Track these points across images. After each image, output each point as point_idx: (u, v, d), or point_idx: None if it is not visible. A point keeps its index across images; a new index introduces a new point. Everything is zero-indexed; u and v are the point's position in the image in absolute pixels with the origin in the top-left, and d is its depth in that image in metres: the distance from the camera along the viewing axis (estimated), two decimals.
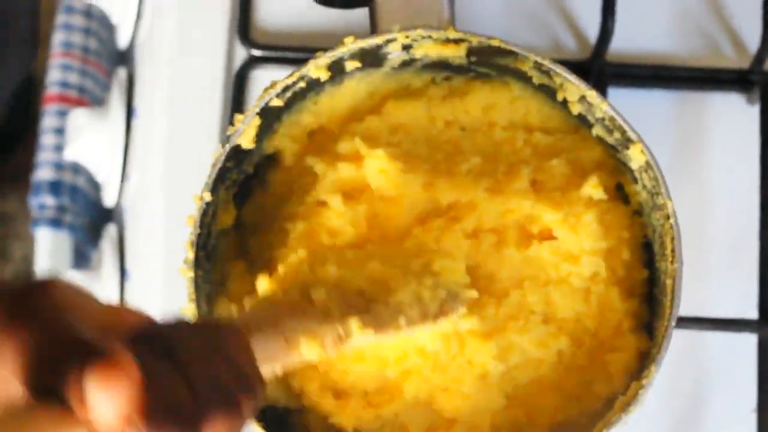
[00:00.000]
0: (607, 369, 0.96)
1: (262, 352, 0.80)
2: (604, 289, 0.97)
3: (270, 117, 0.99)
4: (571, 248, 0.97)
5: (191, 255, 0.95)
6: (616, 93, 1.11)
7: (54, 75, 1.36)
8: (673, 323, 0.93)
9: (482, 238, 0.97)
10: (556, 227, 0.97)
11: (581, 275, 0.97)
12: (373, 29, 1.00)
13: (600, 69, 1.12)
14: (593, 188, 0.98)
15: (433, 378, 0.96)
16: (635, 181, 0.99)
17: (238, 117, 0.97)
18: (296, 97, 1.00)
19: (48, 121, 1.35)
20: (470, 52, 1.00)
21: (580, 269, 0.97)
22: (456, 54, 1.00)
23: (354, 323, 0.87)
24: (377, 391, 0.97)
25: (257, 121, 0.97)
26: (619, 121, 0.96)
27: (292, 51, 1.15)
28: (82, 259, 1.32)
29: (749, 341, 1.08)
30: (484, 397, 0.96)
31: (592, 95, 0.97)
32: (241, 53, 1.16)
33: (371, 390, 0.97)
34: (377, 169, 0.97)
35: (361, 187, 0.98)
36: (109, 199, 1.25)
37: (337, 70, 1.00)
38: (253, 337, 0.80)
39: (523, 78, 1.01)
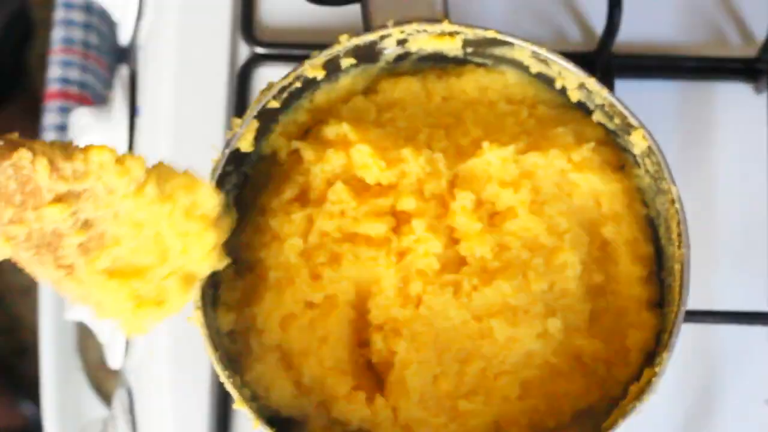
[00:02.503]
0: (626, 347, 0.97)
1: None
2: (615, 253, 0.98)
3: (267, 118, 0.99)
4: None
5: None
6: (623, 84, 1.10)
7: (54, 71, 1.35)
8: (684, 308, 0.92)
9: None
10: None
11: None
12: (366, 25, 0.99)
13: (606, 61, 1.11)
14: (589, 152, 0.98)
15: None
16: (638, 165, 0.99)
17: (236, 121, 0.96)
18: (292, 97, 1.00)
19: (50, 119, 1.34)
20: (466, 43, 1.00)
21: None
22: (452, 46, 1.00)
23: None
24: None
25: (255, 124, 0.97)
26: (619, 107, 0.96)
27: (295, 48, 1.14)
28: None
29: (761, 333, 1.08)
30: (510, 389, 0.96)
31: (591, 83, 0.97)
32: (244, 51, 1.15)
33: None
34: (361, 164, 0.97)
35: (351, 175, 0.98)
36: None
37: (332, 68, 1.00)
38: None
39: (520, 67, 1.01)
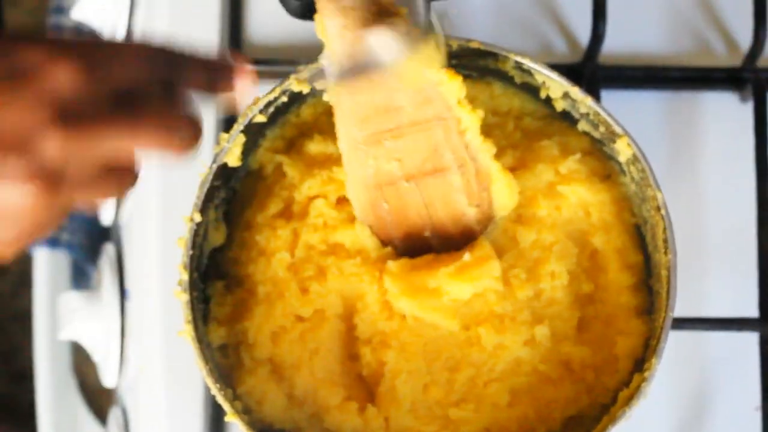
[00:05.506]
0: (615, 354, 0.97)
1: None
2: (604, 261, 0.99)
3: (254, 133, 1.00)
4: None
5: (185, 277, 0.95)
6: (609, 95, 1.11)
7: None
8: (671, 313, 0.93)
9: None
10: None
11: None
12: None
13: (592, 72, 1.12)
14: (575, 163, 0.99)
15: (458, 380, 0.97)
16: (623, 173, 0.99)
17: (223, 135, 0.97)
18: (279, 112, 1.00)
19: None
20: (450, 55, 1.00)
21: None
22: None
23: None
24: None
25: (242, 138, 0.97)
26: (604, 115, 0.97)
27: (283, 65, 1.14)
28: (81, 276, 1.32)
29: (751, 340, 1.08)
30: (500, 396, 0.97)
31: (575, 92, 0.98)
32: None
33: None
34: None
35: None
36: (106, 218, 1.25)
37: None
38: None
39: (505, 78, 1.02)
